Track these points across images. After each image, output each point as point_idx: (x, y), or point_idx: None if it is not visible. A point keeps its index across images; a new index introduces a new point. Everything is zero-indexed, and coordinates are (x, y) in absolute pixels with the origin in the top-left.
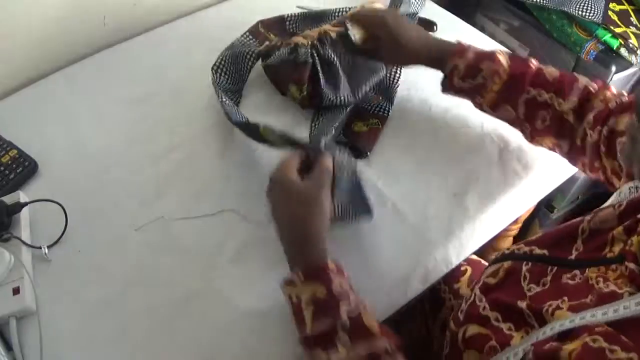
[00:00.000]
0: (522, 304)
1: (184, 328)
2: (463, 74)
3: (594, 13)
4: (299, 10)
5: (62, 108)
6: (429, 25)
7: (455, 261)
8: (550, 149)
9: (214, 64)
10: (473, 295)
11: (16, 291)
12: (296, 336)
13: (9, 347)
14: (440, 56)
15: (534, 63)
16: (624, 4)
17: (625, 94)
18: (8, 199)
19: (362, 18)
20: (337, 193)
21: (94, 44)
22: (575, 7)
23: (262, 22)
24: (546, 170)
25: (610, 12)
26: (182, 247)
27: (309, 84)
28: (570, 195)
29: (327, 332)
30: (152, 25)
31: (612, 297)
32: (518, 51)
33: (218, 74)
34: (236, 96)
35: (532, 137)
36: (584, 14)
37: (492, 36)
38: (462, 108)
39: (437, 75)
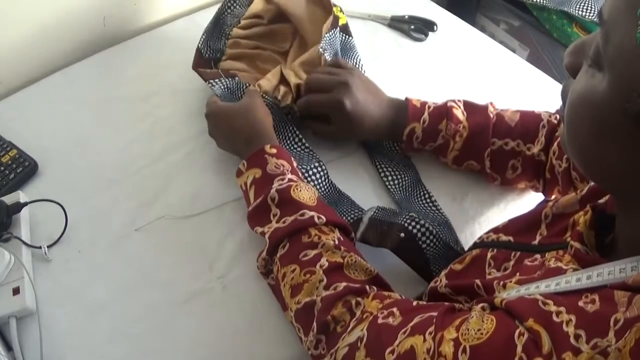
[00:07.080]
0: (478, 282)
1: (184, 328)
2: (422, 139)
3: (594, 13)
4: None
5: (62, 108)
6: (429, 25)
7: None
8: (523, 189)
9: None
10: (439, 280)
11: (16, 291)
12: (297, 340)
13: (9, 347)
14: (395, 125)
15: (492, 109)
16: None
17: None
18: (8, 199)
19: (317, 102)
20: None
21: (94, 44)
22: (575, 7)
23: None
24: None
25: None
26: (182, 247)
27: None
28: None
29: (262, 207)
30: (152, 25)
31: (557, 271)
32: (518, 51)
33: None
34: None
35: (503, 184)
36: (584, 14)
37: (492, 36)
38: None
39: (438, 81)
